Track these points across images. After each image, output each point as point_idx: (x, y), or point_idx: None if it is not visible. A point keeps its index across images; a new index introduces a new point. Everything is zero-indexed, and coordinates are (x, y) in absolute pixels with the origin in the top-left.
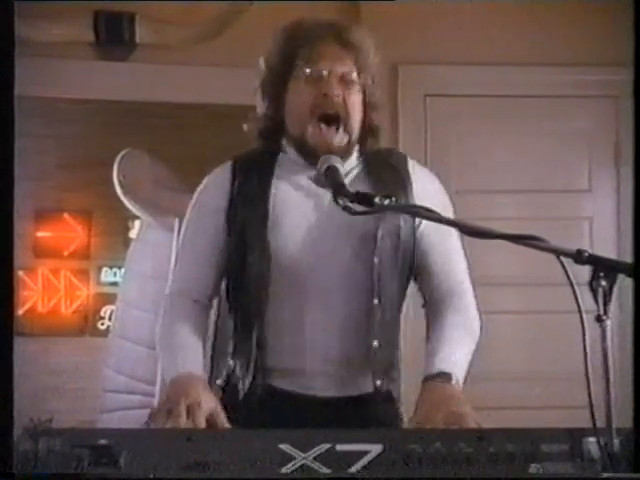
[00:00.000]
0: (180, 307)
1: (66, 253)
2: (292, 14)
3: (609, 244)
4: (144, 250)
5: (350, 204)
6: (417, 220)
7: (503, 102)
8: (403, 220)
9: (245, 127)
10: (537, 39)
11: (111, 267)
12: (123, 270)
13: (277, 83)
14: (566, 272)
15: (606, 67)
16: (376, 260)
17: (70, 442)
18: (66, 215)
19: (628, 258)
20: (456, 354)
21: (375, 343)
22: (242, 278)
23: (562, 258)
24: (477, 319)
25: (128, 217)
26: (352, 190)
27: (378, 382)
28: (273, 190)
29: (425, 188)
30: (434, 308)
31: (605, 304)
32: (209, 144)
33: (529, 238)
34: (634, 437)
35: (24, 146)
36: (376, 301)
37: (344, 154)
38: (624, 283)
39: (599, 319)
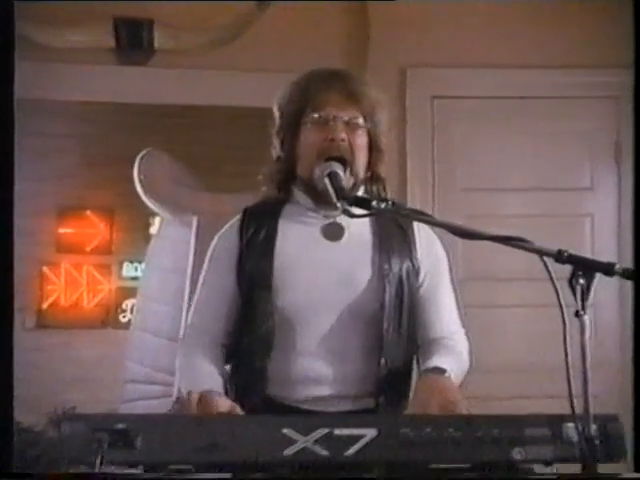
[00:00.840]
0: (199, 345)
1: (88, 249)
2: (302, 21)
3: (610, 240)
4: (164, 246)
5: (349, 207)
6: (420, 279)
7: (507, 103)
8: (407, 279)
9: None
10: (540, 42)
11: (132, 262)
12: (144, 265)
13: (289, 129)
14: (548, 270)
15: (607, 69)
16: (385, 325)
17: (91, 427)
18: (89, 212)
19: (628, 253)
20: (450, 363)
21: (381, 399)
22: (247, 335)
23: (545, 258)
24: (467, 363)
25: (148, 214)
26: (351, 194)
27: None
28: (279, 244)
29: (428, 245)
30: (425, 350)
31: (583, 300)
32: (225, 144)
33: (515, 239)
34: (634, 437)
35: (48, 146)
36: (383, 361)
37: (361, 207)
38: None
39: (577, 314)
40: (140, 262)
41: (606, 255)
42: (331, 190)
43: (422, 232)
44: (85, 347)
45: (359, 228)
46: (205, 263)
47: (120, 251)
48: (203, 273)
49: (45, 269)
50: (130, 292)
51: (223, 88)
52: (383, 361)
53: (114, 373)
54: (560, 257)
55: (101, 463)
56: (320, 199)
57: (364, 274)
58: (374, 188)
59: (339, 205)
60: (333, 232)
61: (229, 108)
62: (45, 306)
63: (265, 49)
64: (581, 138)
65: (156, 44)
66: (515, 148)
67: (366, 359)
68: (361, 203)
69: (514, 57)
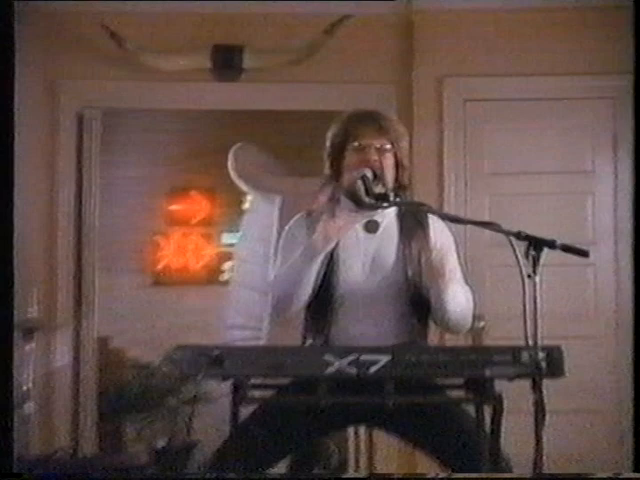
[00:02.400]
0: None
1: (194, 222)
2: (359, 42)
3: (608, 213)
4: (254, 219)
5: (374, 201)
6: (432, 255)
7: (525, 104)
8: (423, 258)
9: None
10: (551, 53)
11: (229, 231)
12: (239, 234)
13: (336, 154)
14: (512, 245)
15: (606, 75)
16: (409, 295)
17: (196, 353)
18: (194, 192)
19: (624, 223)
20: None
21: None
22: (316, 300)
23: (511, 237)
24: (471, 305)
25: (242, 193)
26: (376, 192)
27: None
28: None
29: (436, 233)
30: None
31: (534, 266)
32: (299, 139)
33: (488, 224)
34: (634, 437)
35: (161, 140)
36: (409, 323)
37: (381, 200)
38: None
39: (529, 276)
40: (236, 232)
41: (604, 225)
42: (362, 189)
43: (435, 222)
44: (192, 301)
45: (390, 223)
46: (281, 246)
47: (219, 223)
48: (280, 255)
49: (159, 238)
50: (228, 256)
51: (297, 96)
52: (409, 323)
53: (216, 321)
54: (520, 236)
55: (204, 376)
56: (360, 203)
57: (392, 257)
58: (400, 193)
59: (367, 200)
60: (371, 227)
61: (302, 112)
62: (159, 268)
63: (330, 65)
64: (585, 131)
65: (244, 65)
66: (532, 140)
67: (397, 321)
68: (382, 198)
69: (530, 66)
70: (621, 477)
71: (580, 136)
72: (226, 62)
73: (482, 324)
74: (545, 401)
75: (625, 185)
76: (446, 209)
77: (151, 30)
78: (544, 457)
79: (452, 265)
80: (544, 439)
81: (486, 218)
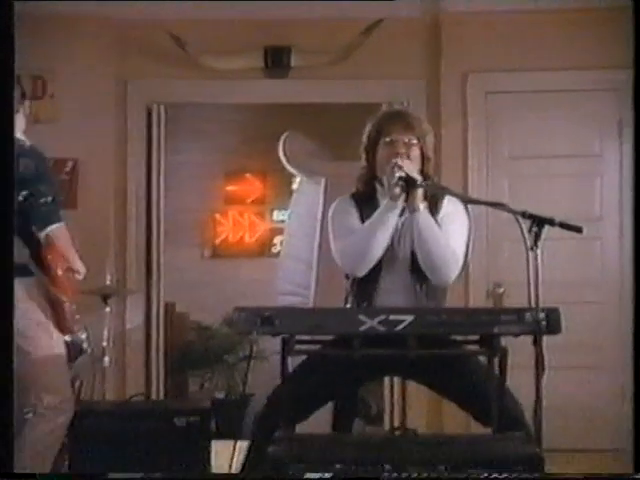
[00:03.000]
0: None
1: (249, 201)
2: (392, 41)
3: (614, 192)
4: (301, 198)
5: (404, 184)
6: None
7: (540, 96)
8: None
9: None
10: (562, 49)
11: (280, 209)
12: (288, 211)
13: (371, 148)
14: (518, 222)
15: (612, 69)
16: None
17: (250, 313)
18: (248, 175)
19: (628, 201)
20: None
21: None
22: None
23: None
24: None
25: (291, 176)
26: (404, 175)
27: None
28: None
29: (449, 209)
30: None
31: (536, 240)
32: (341, 128)
33: (498, 204)
34: (634, 437)
35: (218, 128)
36: (427, 292)
37: (408, 184)
38: None
39: (531, 249)
40: (285, 209)
41: (610, 203)
42: (393, 180)
43: (449, 203)
44: (246, 271)
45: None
46: (331, 218)
47: (271, 202)
48: (334, 223)
49: (217, 216)
50: (279, 231)
51: (338, 91)
52: (430, 290)
53: (269, 289)
54: (524, 215)
55: (257, 333)
56: (390, 187)
57: (414, 233)
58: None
59: (400, 183)
60: (403, 210)
61: (342, 104)
62: (218, 242)
63: (367, 63)
64: (593, 119)
65: (292, 63)
66: (546, 128)
67: (419, 287)
68: (410, 181)
69: (544, 62)
70: (633, 477)
71: (589, 123)
72: (276, 61)
73: (501, 290)
74: (545, 356)
75: (629, 167)
76: (470, 190)
77: (209, 34)
78: (555, 408)
79: (453, 237)
80: (554, 392)
81: (505, 198)
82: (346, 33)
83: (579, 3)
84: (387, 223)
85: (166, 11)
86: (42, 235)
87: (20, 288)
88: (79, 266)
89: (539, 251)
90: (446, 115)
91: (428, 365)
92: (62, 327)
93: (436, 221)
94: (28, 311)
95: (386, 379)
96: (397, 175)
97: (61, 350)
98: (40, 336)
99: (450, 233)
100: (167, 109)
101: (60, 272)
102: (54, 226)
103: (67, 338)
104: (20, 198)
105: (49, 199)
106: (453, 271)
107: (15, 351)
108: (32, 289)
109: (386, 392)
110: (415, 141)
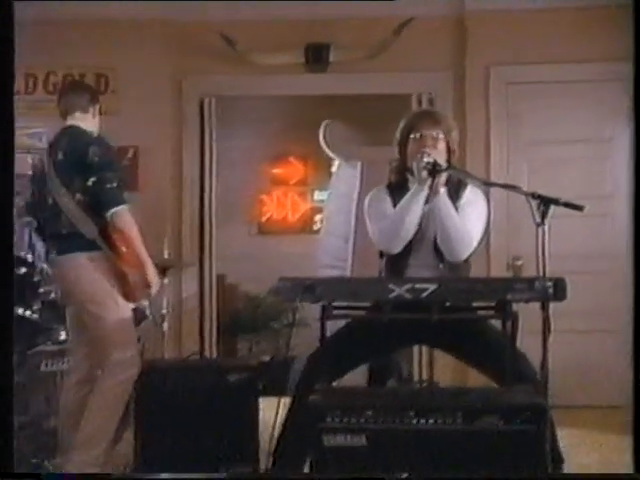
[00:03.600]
0: None
1: (292, 182)
2: (420, 38)
3: (623, 173)
4: (339, 180)
5: (431, 168)
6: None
7: (556, 86)
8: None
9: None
10: (578, 45)
11: (320, 190)
12: (327, 192)
13: (402, 142)
14: (529, 202)
15: (620, 61)
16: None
17: (294, 283)
18: (291, 158)
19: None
20: None
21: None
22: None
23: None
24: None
25: (330, 159)
26: (431, 161)
27: None
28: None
29: (470, 197)
30: None
31: (543, 217)
32: (376, 116)
33: (511, 187)
34: (634, 437)
35: (265, 118)
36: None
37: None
38: None
39: (539, 225)
40: (325, 190)
41: (620, 183)
42: (422, 164)
43: (470, 191)
44: (290, 246)
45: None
46: (367, 204)
47: (312, 183)
48: (367, 210)
49: (263, 196)
50: (319, 210)
51: (373, 83)
52: (449, 268)
53: (309, 262)
54: (534, 195)
55: (300, 300)
56: (419, 174)
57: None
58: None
59: (427, 167)
60: (429, 197)
61: (376, 95)
62: (264, 220)
63: (398, 58)
64: (604, 107)
65: (330, 59)
66: (561, 115)
67: (440, 267)
68: (436, 166)
69: (560, 55)
70: (633, 477)
71: (600, 111)
72: (316, 57)
73: (520, 262)
74: (551, 319)
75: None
76: (492, 172)
77: (256, 34)
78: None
79: (470, 221)
80: (567, 353)
81: (525, 179)
82: (379, 31)
83: (591, 1)
84: (415, 205)
85: (217, 13)
86: (108, 215)
87: (90, 261)
88: (142, 251)
89: (546, 227)
90: (470, 104)
91: (449, 331)
92: (128, 296)
93: (457, 207)
94: (97, 280)
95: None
96: (425, 160)
97: (128, 314)
98: (108, 302)
99: (467, 217)
100: (218, 101)
101: (124, 248)
102: (119, 207)
103: (132, 306)
104: (89, 183)
105: (114, 184)
106: (465, 251)
107: (87, 316)
108: (100, 262)
109: (415, 355)
110: (442, 136)
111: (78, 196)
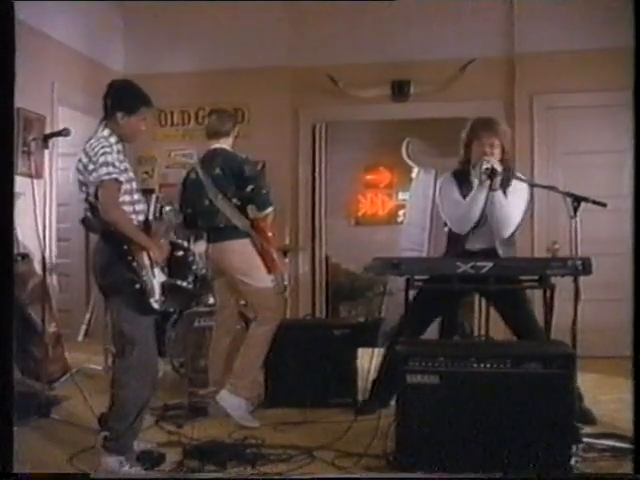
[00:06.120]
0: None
1: (381, 186)
2: (477, 73)
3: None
4: (418, 184)
5: (490, 173)
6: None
7: (587, 109)
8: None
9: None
10: (602, 77)
11: (403, 191)
12: (409, 193)
13: (467, 145)
14: (564, 199)
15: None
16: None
17: (384, 261)
18: (381, 168)
19: None
20: None
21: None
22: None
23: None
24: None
25: (410, 168)
26: (490, 167)
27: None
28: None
29: (516, 187)
30: None
31: (575, 211)
32: (446, 135)
33: (551, 187)
34: (634, 437)
35: (360, 137)
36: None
37: (492, 173)
38: None
39: (572, 217)
40: (407, 191)
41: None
42: (482, 169)
43: (517, 182)
44: (380, 235)
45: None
46: (439, 190)
47: (397, 186)
48: (439, 194)
49: (359, 196)
50: (402, 207)
51: (443, 109)
52: (503, 243)
53: (395, 246)
54: (568, 194)
55: (388, 275)
56: (481, 173)
57: (492, 204)
58: (505, 170)
59: (487, 171)
60: (488, 193)
61: (446, 118)
62: (360, 214)
63: (463, 89)
64: (621, 125)
65: (411, 92)
66: (589, 132)
67: (496, 245)
68: (493, 171)
69: (588, 85)
70: (633, 477)
71: (617, 129)
72: (400, 91)
73: (557, 246)
74: (581, 289)
75: None
76: (536, 176)
77: (353, 73)
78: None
79: (513, 205)
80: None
81: (560, 183)
82: (448, 69)
83: (614, 44)
84: (479, 199)
85: (324, 59)
86: (263, 213)
87: (243, 246)
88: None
89: (577, 219)
90: (518, 125)
91: (502, 297)
92: (270, 269)
93: (506, 193)
94: (250, 258)
95: (476, 310)
96: (484, 167)
97: (270, 284)
98: (257, 273)
99: (510, 203)
100: (326, 126)
101: (270, 234)
102: (270, 209)
103: (272, 277)
104: (247, 190)
105: (265, 190)
106: (508, 230)
107: (242, 286)
108: (251, 245)
109: (475, 316)
110: (497, 142)
111: (234, 200)
